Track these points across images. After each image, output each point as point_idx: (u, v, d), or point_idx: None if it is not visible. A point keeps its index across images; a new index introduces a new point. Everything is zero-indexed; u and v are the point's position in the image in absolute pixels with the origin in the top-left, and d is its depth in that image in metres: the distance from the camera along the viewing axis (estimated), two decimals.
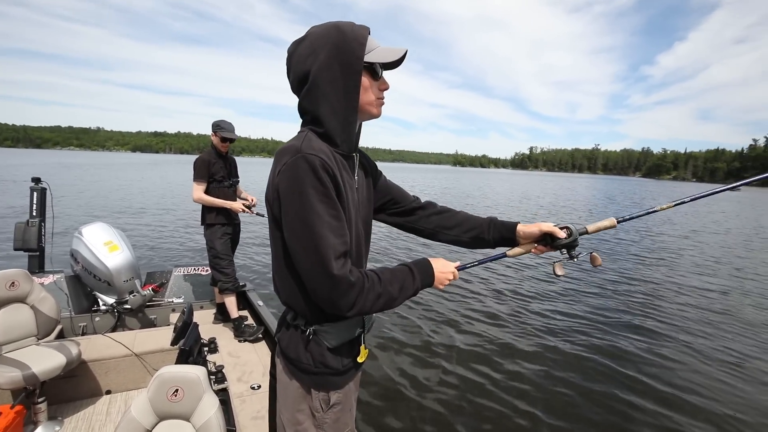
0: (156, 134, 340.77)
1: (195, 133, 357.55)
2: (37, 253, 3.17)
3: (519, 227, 1.17)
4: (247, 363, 2.75)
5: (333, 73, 0.94)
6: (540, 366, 3.77)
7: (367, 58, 0.97)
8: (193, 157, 3.19)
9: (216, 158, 3.11)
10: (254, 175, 32.89)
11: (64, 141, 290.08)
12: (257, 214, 3.28)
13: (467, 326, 4.65)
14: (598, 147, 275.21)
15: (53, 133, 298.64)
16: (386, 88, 1.05)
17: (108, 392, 2.40)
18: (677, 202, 1.17)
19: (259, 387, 2.46)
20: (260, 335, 3.09)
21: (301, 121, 1.06)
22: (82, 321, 3.00)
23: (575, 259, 1.13)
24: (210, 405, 1.45)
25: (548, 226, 1.13)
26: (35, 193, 3.18)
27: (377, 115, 1.07)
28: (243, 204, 3.17)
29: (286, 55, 1.02)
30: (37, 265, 3.20)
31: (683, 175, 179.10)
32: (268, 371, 2.55)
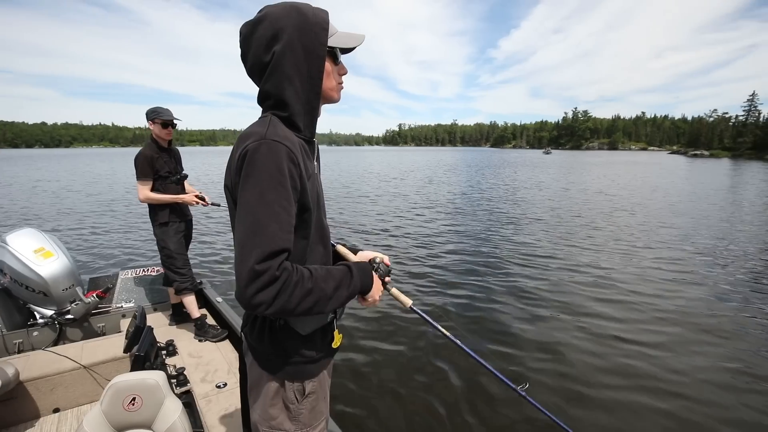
0: None
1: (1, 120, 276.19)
2: None
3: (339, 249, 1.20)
4: (211, 362, 2.68)
5: (296, 57, 0.92)
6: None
7: (329, 42, 0.96)
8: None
9: (158, 152, 2.88)
10: (103, 173, 28.03)
11: None
12: (213, 204, 3.16)
13: (445, 306, 4.75)
14: (456, 122, 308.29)
15: None
16: (345, 73, 1.05)
17: (56, 410, 2.23)
18: None
19: (225, 385, 2.40)
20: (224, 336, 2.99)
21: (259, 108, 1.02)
22: (17, 338, 2.65)
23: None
24: (173, 409, 1.41)
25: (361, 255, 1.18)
26: None
27: (337, 100, 1.05)
28: (195, 196, 3.03)
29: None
30: None
31: (520, 144, 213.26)
32: (234, 369, 2.68)
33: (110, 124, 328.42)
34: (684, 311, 4.56)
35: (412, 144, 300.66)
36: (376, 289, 1.03)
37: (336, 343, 1.08)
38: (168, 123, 2.89)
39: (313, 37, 0.92)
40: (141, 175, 2.81)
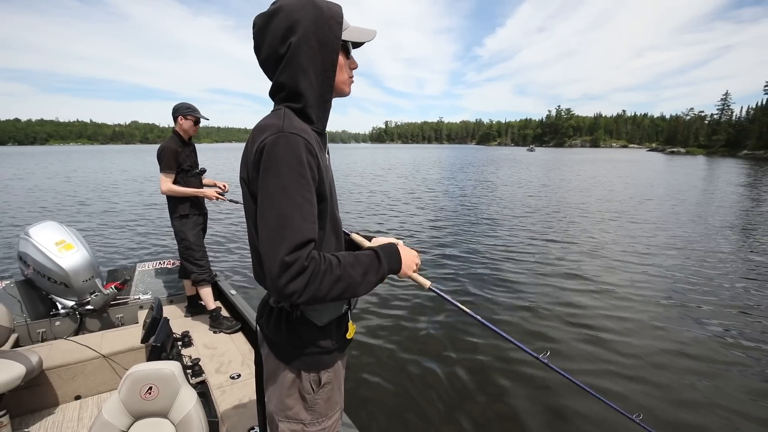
0: None
1: None
2: None
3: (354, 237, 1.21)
4: (225, 353, 2.73)
5: (311, 49, 0.93)
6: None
7: (342, 36, 0.97)
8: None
9: (182, 146, 2.98)
10: (86, 169, 27.36)
11: None
12: (231, 201, 3.26)
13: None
14: (443, 120, 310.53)
15: None
16: (356, 67, 1.06)
17: (77, 397, 2.30)
18: None
19: (239, 376, 2.45)
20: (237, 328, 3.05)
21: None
22: (40, 327, 2.71)
23: None
24: (188, 399, 1.44)
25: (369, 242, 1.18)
26: None
27: (348, 94, 1.07)
28: (216, 191, 3.11)
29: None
30: None
31: (505, 141, 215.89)
32: (247, 360, 2.79)
33: (88, 121, 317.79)
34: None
35: (399, 141, 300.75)
36: (407, 266, 1.02)
37: (350, 333, 1.10)
38: (199, 121, 3.05)
39: (327, 30, 0.93)
40: (166, 168, 2.88)
